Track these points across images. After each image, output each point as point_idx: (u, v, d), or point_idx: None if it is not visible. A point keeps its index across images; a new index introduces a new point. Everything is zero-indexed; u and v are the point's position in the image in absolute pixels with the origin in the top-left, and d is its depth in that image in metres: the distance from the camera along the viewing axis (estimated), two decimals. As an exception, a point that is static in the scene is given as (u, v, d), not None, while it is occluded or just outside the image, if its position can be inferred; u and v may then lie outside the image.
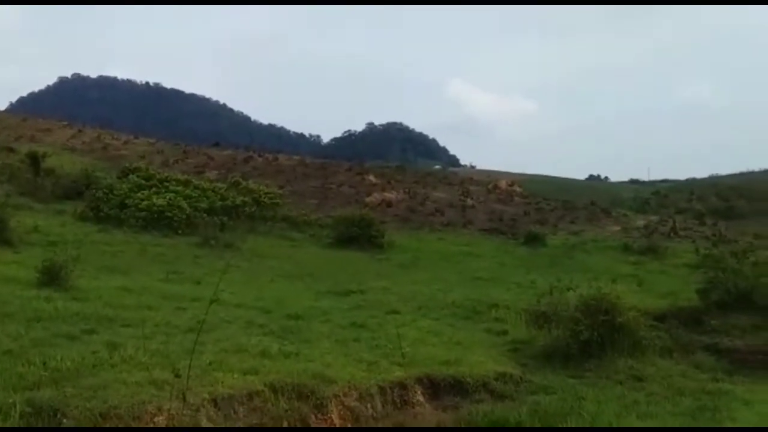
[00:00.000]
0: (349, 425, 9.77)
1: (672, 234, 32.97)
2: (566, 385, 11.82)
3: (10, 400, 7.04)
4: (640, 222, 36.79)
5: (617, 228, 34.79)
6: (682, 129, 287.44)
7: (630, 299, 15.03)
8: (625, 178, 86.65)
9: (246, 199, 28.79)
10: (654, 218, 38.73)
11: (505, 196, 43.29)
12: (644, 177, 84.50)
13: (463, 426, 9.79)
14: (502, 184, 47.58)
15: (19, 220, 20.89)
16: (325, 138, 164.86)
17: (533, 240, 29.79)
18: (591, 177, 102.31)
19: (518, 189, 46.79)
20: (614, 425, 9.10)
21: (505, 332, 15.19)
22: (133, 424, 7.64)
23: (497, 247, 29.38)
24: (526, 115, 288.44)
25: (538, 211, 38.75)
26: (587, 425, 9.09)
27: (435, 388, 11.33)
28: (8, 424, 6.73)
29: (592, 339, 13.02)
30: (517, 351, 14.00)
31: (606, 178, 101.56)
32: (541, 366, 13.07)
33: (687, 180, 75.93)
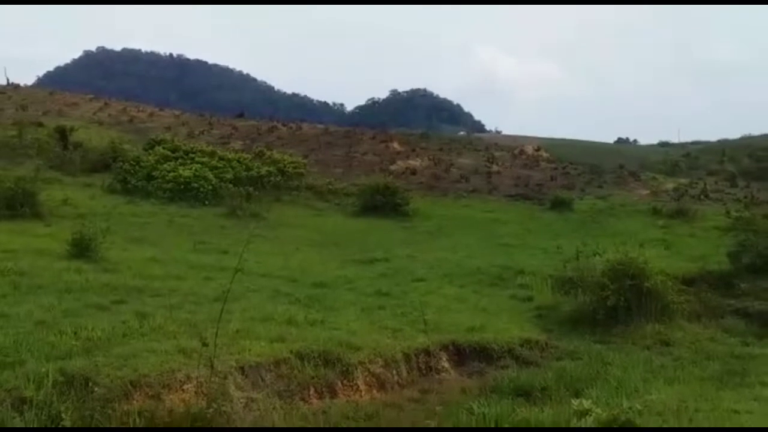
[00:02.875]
0: (375, 392, 9.89)
1: (702, 197, 32.35)
2: (592, 350, 11.80)
3: (43, 369, 7.23)
4: (670, 185, 36.11)
5: (646, 191, 34.23)
6: (713, 88, 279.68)
7: (658, 263, 14.89)
8: (655, 141, 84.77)
9: (271, 169, 28.86)
10: (684, 181, 37.96)
11: (531, 161, 42.77)
12: (674, 139, 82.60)
13: (488, 391, 9.82)
14: (528, 148, 46.92)
15: (49, 193, 21.24)
16: (349, 106, 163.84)
17: (560, 205, 29.43)
18: (619, 140, 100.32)
19: (544, 154, 46.10)
20: (640, 390, 9.06)
21: (530, 298, 15.16)
22: (163, 392, 7.82)
23: (523, 212, 29.12)
24: (552, 78, 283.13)
25: (564, 176, 38.24)
26: (613, 390, 9.06)
27: (460, 355, 11.40)
28: (41, 393, 6.92)
29: (618, 304, 12.93)
30: (543, 317, 13.98)
31: (635, 140, 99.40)
32: (567, 332, 13.06)
33: (719, 141, 73.95)
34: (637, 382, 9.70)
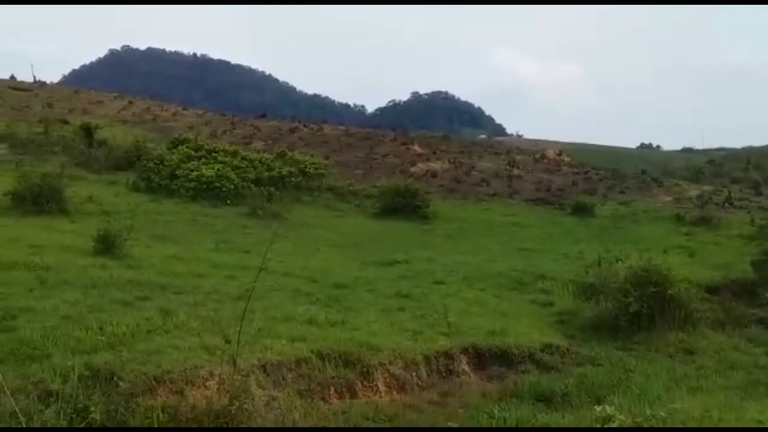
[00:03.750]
0: (395, 393, 9.89)
1: (726, 204, 31.95)
2: (614, 357, 11.70)
3: (69, 364, 7.31)
4: (693, 192, 35.73)
5: (669, 198, 33.91)
6: (739, 94, 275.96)
7: (681, 271, 14.73)
8: (678, 147, 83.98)
9: (292, 169, 29.01)
10: (708, 188, 37.56)
11: (553, 165, 42.58)
12: (698, 145, 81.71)
13: (508, 395, 9.78)
14: (550, 153, 46.74)
15: (75, 190, 21.52)
16: (370, 108, 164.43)
17: (581, 210, 29.27)
18: (642, 145, 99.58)
19: (566, 158, 45.91)
20: (663, 398, 8.96)
21: (551, 303, 15.08)
22: (186, 388, 7.88)
23: (544, 217, 28.99)
24: (574, 81, 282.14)
25: (586, 181, 38.02)
26: (635, 398, 8.98)
27: (480, 358, 11.36)
28: (68, 387, 7.01)
29: (641, 311, 12.81)
30: (564, 322, 13.90)
31: (658, 146, 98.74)
32: (588, 338, 12.97)
33: (743, 148, 73.10)
34: (659, 391, 9.58)
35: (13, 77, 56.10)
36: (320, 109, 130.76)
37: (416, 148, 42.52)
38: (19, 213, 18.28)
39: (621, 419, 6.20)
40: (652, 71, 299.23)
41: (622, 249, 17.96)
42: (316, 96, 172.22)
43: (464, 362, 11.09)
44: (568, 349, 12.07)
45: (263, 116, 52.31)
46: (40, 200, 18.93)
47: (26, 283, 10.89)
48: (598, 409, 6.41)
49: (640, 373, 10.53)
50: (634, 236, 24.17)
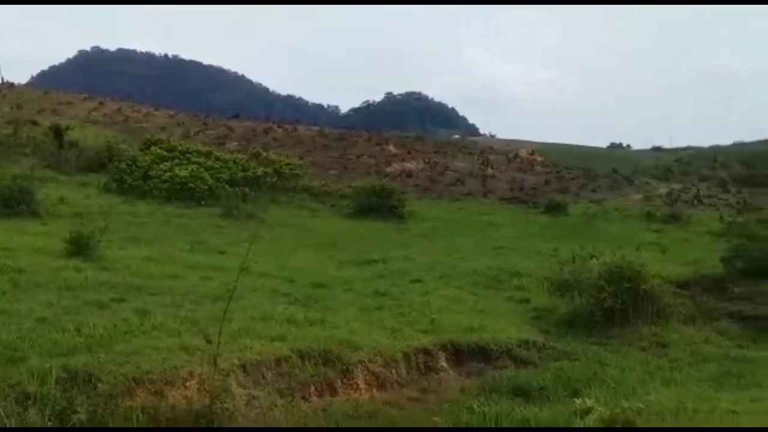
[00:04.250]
0: (375, 390, 9.95)
1: (695, 202, 32.61)
2: (589, 351, 11.90)
3: (47, 365, 7.24)
4: (663, 190, 36.37)
5: (639, 196, 34.45)
6: (705, 95, 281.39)
7: (654, 267, 15.02)
8: (647, 146, 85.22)
9: (267, 170, 28.86)
10: (677, 186, 38.24)
11: (526, 164, 42.98)
12: (666, 144, 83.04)
13: (487, 391, 9.88)
14: (523, 152, 47.19)
15: (46, 192, 21.19)
16: (344, 108, 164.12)
17: (554, 209, 29.59)
18: (612, 145, 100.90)
19: (539, 158, 46.37)
20: (638, 391, 9.15)
21: (527, 300, 15.25)
22: (166, 389, 7.85)
23: (518, 216, 29.26)
24: (546, 83, 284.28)
25: (559, 180, 38.45)
26: (611, 391, 9.14)
27: (458, 355, 11.47)
28: (45, 389, 6.94)
29: (615, 306, 13.04)
30: (540, 318, 14.07)
31: (628, 146, 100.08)
32: (564, 333, 13.15)
33: (710, 147, 74.59)
34: (634, 383, 9.79)
35: (-21, 78, 54.90)
36: (294, 109, 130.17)
37: (391, 148, 42.60)
38: (-11, 215, 17.93)
39: (600, 411, 6.32)
40: (621, 71, 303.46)
41: (595, 246, 18.19)
42: (289, 97, 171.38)
43: (443, 359, 11.19)
44: (544, 345, 12.24)
45: (236, 117, 51.91)
46: (10, 202, 18.63)
47: (-1, 286, 10.72)
48: (578, 401, 6.54)
49: (615, 367, 10.73)
50: (607, 234, 24.53)
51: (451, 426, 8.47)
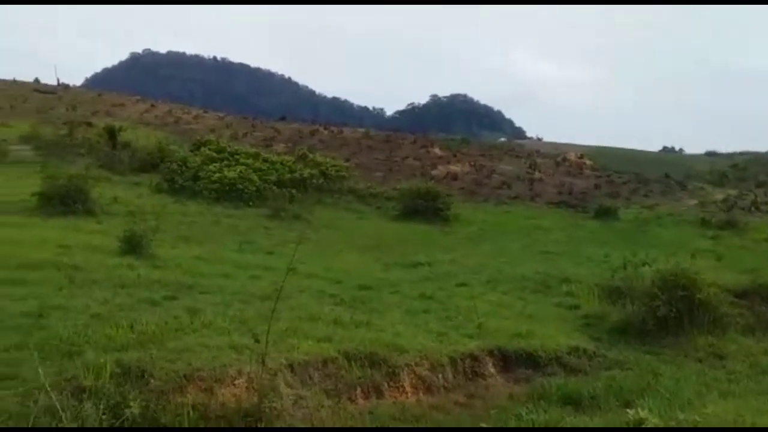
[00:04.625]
0: (421, 394, 9.86)
1: (753, 208, 31.55)
2: (642, 361, 11.56)
3: (102, 360, 7.37)
4: (718, 196, 35.33)
5: (694, 202, 33.54)
6: (763, 97, 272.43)
7: (709, 275, 14.52)
8: (701, 150, 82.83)
9: (313, 171, 29.10)
10: (733, 192, 37.09)
11: (575, 168, 42.33)
12: (721, 149, 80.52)
13: (535, 398, 9.69)
14: (572, 156, 46.44)
15: (100, 191, 21.76)
16: (389, 111, 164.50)
17: (605, 214, 29.02)
18: (665, 149, 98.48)
19: (588, 161, 45.59)
20: (694, 403, 8.83)
21: (577, 306, 14.94)
22: (216, 386, 7.91)
23: (567, 220, 28.79)
24: (595, 85, 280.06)
25: (609, 184, 37.74)
26: (665, 402, 8.85)
27: (506, 361, 11.28)
28: (100, 383, 7.07)
29: (669, 315, 12.66)
30: (590, 326, 13.75)
31: (681, 150, 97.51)
32: (616, 341, 12.82)
33: (768, 152, 72.05)
34: (690, 395, 9.44)
35: (37, 80, 56.98)
36: (340, 112, 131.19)
37: (436, 150, 42.48)
38: (47, 213, 18.52)
39: (654, 422, 6.11)
40: (674, 74, 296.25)
41: (647, 253, 17.69)
42: (335, 99, 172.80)
43: (490, 364, 11.01)
44: (595, 353, 11.93)
45: (283, 119, 52.60)
46: (67, 201, 19.19)
47: (56, 282, 11.04)
48: (630, 412, 6.33)
49: (670, 377, 10.38)
50: (660, 240, 23.89)
51: None
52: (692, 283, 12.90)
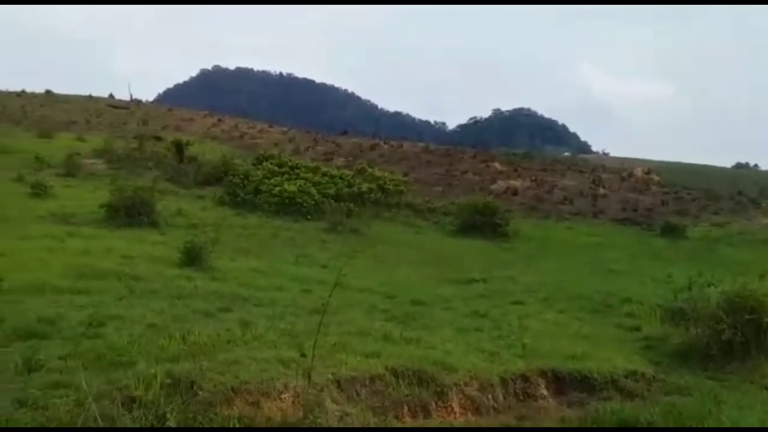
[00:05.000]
0: (470, 415, 9.68)
1: (832, 227, 29.87)
2: (704, 386, 11.02)
3: (152, 371, 7.54)
4: (795, 214, 33.63)
5: (767, 220, 32.02)
6: None
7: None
8: (778, 166, 79.18)
9: (371, 185, 29.28)
10: (811, 210, 35.25)
11: (641, 184, 41.13)
12: (800, 164, 76.71)
13: (589, 422, 9.37)
14: (638, 171, 45.15)
15: (165, 203, 22.48)
16: (451, 125, 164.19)
17: (671, 231, 28.06)
18: (738, 165, 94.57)
19: (655, 177, 44.21)
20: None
21: (637, 328, 14.43)
22: (262, 400, 7.97)
23: (630, 238, 27.98)
24: (663, 98, 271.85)
25: (677, 201, 36.50)
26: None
27: (559, 383, 10.94)
28: (150, 394, 7.22)
29: (734, 339, 12.02)
30: (651, 349, 13.24)
31: (755, 165, 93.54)
32: (677, 366, 12.27)
33: None
34: (754, 424, 8.96)
35: (111, 96, 59.48)
36: (401, 126, 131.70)
37: (497, 165, 42.07)
38: (114, 225, 19.23)
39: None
40: (748, 87, 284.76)
41: (715, 273, 16.94)
42: (397, 113, 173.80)
43: (542, 386, 10.71)
44: (654, 377, 11.44)
45: (345, 133, 53.23)
46: (132, 213, 19.89)
47: (116, 292, 11.41)
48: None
49: (733, 405, 9.86)
50: (729, 260, 22.91)
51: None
52: (760, 305, 12.22)
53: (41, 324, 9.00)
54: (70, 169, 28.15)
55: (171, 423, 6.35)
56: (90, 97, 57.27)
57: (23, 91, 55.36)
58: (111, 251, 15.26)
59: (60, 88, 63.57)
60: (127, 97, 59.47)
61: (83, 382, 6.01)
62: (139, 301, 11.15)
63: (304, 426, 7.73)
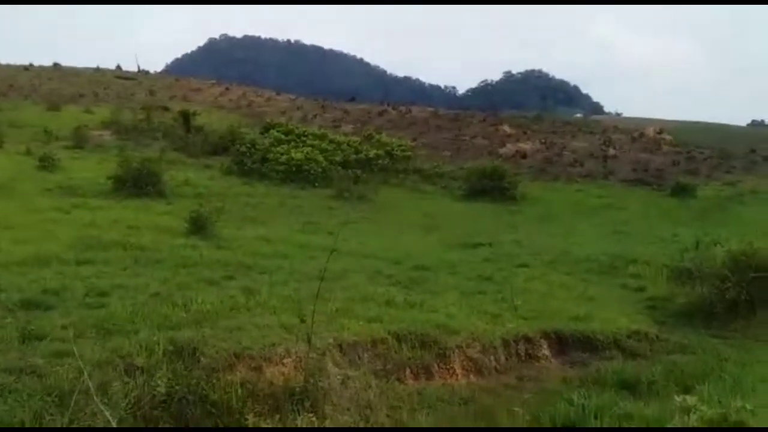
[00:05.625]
0: (472, 376, 9.79)
1: None
2: (707, 344, 11.07)
3: (155, 338, 7.66)
4: (810, 171, 33.17)
5: (781, 178, 31.63)
6: None
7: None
8: (795, 123, 77.79)
9: (379, 152, 29.16)
10: (826, 167, 34.74)
11: (652, 144, 40.59)
12: (818, 121, 75.35)
13: (590, 382, 9.44)
14: (649, 131, 44.48)
15: (172, 174, 22.56)
16: (462, 89, 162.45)
17: (682, 191, 27.82)
18: (754, 122, 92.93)
19: (667, 137, 43.55)
20: (758, 390, 8.40)
21: (642, 288, 14.46)
22: (264, 365, 8.09)
23: (641, 199, 27.78)
24: (679, 57, 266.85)
25: (689, 161, 36.06)
26: (727, 388, 8.46)
27: (562, 344, 11.03)
28: (153, 360, 7.35)
29: (739, 298, 12.04)
30: (655, 309, 13.28)
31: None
32: (681, 325, 12.32)
33: None
34: (755, 381, 8.99)
35: (119, 67, 59.28)
36: (411, 91, 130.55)
37: (506, 128, 41.68)
38: (121, 196, 19.37)
39: (702, 410, 5.82)
40: (763, 40, 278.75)
41: (724, 232, 16.88)
42: (406, 78, 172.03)
43: (545, 347, 10.80)
44: (657, 336, 11.50)
45: (353, 100, 52.87)
46: (139, 184, 20.00)
47: (122, 262, 11.55)
48: (678, 399, 6.05)
49: (735, 363, 9.92)
50: (739, 219, 22.70)
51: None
52: (766, 263, 12.19)
53: (46, 295, 9.15)
54: (78, 141, 28.25)
55: (161, 389, 6.46)
56: (97, 69, 57.09)
57: (31, 65, 55.32)
58: (117, 222, 15.39)
59: (68, 61, 63.50)
60: (134, 68, 59.31)
61: (74, 349, 6.06)
62: (144, 270, 11.29)
63: (306, 389, 7.86)
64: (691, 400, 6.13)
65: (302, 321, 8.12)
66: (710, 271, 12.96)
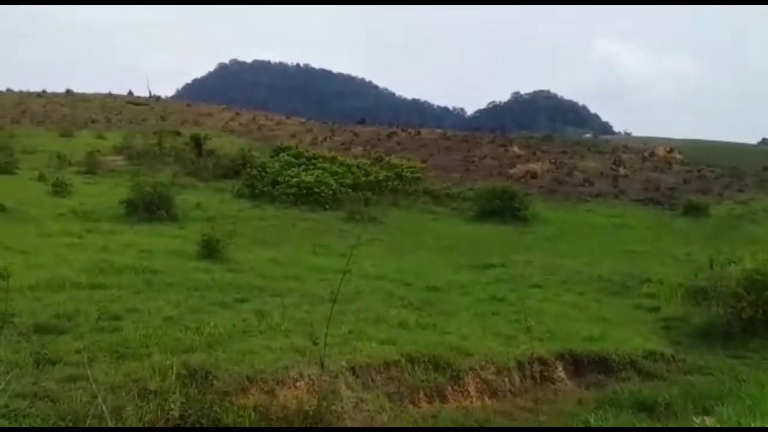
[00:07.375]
0: (486, 399, 9.69)
1: None
2: (725, 365, 10.90)
3: (168, 362, 7.65)
4: (822, 189, 32.94)
5: (793, 196, 31.42)
6: None
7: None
8: (805, 141, 77.47)
9: (389, 173, 29.23)
10: (839, 184, 34.50)
11: (663, 163, 40.50)
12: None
13: (606, 404, 9.31)
14: (660, 150, 44.42)
15: (184, 197, 22.69)
16: (469, 110, 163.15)
17: (694, 210, 27.66)
18: (764, 141, 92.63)
19: (678, 156, 43.48)
20: (779, 411, 8.24)
21: (657, 308, 14.33)
22: (277, 388, 8.05)
23: (652, 218, 27.65)
24: (686, 74, 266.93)
25: (700, 179, 35.93)
26: (746, 410, 8.30)
27: (577, 365, 10.92)
28: (166, 384, 7.33)
29: (756, 317, 11.89)
30: (670, 329, 13.14)
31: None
32: (697, 345, 12.17)
33: None
34: (774, 402, 8.83)
35: (131, 93, 59.99)
36: (419, 113, 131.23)
37: (515, 149, 41.73)
38: (133, 220, 19.49)
39: (721, 432, 5.75)
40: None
41: (737, 251, 16.71)
42: (415, 101, 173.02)
43: (560, 369, 10.69)
44: (673, 357, 11.36)
45: (362, 122, 53.18)
46: (151, 208, 20.11)
47: (134, 286, 11.57)
48: (697, 420, 5.99)
49: (754, 383, 9.72)
50: (752, 237, 22.53)
51: None
52: (782, 282, 12.06)
53: (60, 319, 9.16)
54: (91, 166, 28.52)
55: (175, 413, 6.43)
56: (109, 94, 57.82)
57: (44, 91, 56.09)
58: (130, 246, 15.47)
59: (80, 87, 64.28)
60: (146, 94, 60.02)
61: (89, 374, 6.05)
62: (157, 294, 11.29)
63: (320, 412, 7.80)
64: (709, 421, 6.07)
65: (315, 343, 8.09)
66: (725, 290, 12.82)
